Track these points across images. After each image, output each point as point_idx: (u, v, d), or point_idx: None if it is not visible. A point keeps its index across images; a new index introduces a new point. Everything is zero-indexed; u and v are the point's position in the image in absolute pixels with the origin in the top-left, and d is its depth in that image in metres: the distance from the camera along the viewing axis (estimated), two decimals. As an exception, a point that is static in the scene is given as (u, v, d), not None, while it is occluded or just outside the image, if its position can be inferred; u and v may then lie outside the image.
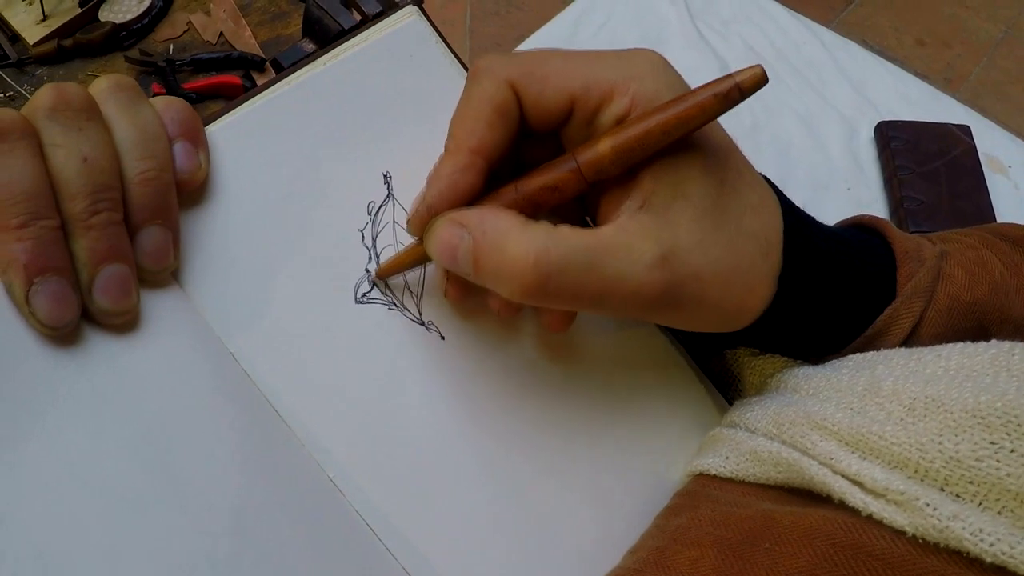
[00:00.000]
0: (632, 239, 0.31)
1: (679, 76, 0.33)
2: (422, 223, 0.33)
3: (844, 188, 0.86)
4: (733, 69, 0.31)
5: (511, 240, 0.30)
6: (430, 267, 0.37)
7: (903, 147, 0.87)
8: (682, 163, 0.32)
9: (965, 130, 0.88)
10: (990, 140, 0.89)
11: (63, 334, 0.29)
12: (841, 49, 0.95)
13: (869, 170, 0.88)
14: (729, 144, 0.34)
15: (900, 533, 0.28)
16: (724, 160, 0.33)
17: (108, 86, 0.31)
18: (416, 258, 0.35)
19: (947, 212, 0.83)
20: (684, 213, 0.31)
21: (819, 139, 0.88)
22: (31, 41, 0.85)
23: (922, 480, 0.28)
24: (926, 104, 0.92)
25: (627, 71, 0.32)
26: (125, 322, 0.31)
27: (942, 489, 0.28)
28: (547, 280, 0.30)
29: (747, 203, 0.33)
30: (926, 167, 0.86)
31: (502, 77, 0.33)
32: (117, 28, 0.86)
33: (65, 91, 0.30)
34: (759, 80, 0.28)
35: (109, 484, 0.29)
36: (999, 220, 0.83)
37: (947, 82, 1.43)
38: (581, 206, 0.37)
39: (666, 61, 0.33)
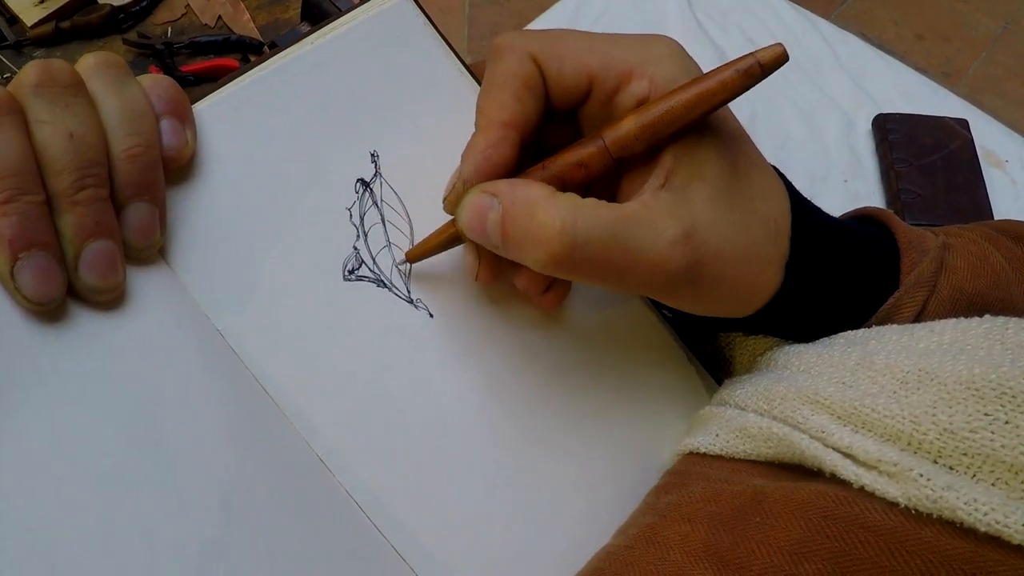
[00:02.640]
0: (655, 215, 0.31)
1: (695, 63, 0.34)
2: (459, 199, 0.33)
3: (841, 180, 0.86)
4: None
5: (539, 208, 0.31)
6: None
7: (901, 140, 0.86)
8: (699, 146, 0.32)
9: (963, 124, 0.88)
10: (987, 134, 0.89)
11: (48, 311, 0.29)
12: (840, 42, 0.95)
13: (867, 162, 0.87)
14: (741, 132, 0.35)
15: (893, 504, 0.28)
16: (737, 146, 0.34)
17: (95, 63, 0.31)
18: (447, 239, 0.35)
19: (944, 206, 0.83)
20: (700, 193, 0.32)
21: (817, 131, 0.88)
22: (29, 23, 0.84)
23: (915, 452, 0.28)
24: (924, 97, 0.92)
25: (645, 54, 0.33)
26: (111, 299, 0.31)
27: (935, 461, 0.28)
28: (572, 249, 0.30)
29: (757, 188, 0.34)
30: (923, 160, 0.86)
31: (524, 51, 0.33)
32: (115, 10, 0.85)
33: (51, 67, 0.29)
34: (780, 58, 0.29)
35: (97, 463, 0.29)
36: (996, 214, 0.82)
37: (946, 76, 1.43)
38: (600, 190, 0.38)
39: (682, 48, 0.34)
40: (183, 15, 0.89)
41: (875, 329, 0.35)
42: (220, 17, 0.88)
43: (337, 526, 0.33)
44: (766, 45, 0.30)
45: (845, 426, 0.31)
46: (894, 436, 0.29)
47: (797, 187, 0.37)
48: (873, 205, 0.90)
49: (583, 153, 0.32)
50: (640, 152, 0.32)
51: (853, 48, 0.95)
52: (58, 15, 0.85)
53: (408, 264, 0.37)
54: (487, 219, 0.32)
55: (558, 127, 0.36)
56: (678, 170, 0.32)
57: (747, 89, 0.30)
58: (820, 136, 0.88)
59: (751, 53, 0.30)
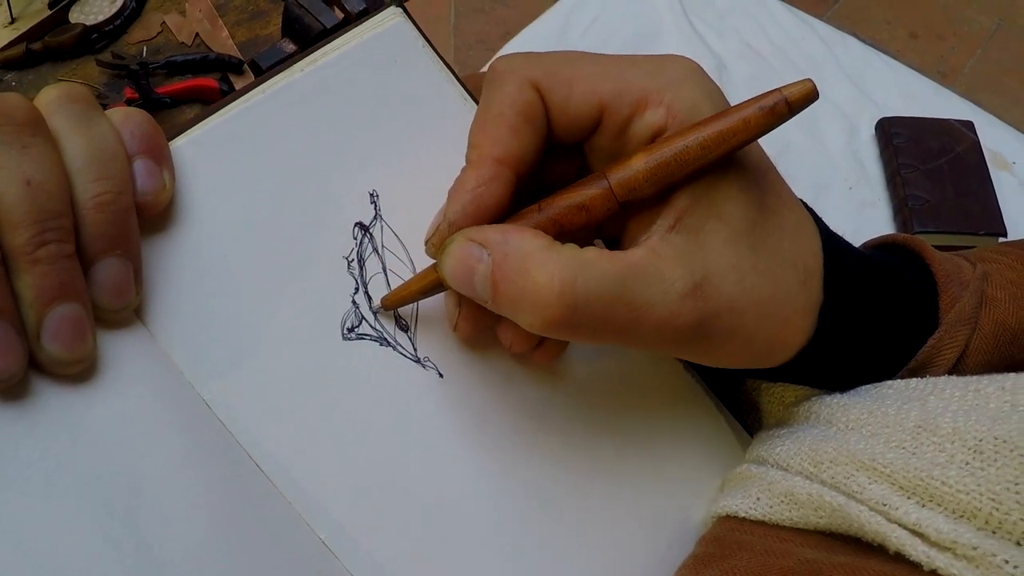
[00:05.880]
0: (663, 264, 0.28)
1: (717, 86, 0.31)
2: (442, 242, 0.30)
3: (846, 187, 0.84)
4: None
5: (536, 263, 0.27)
6: (426, 299, 0.34)
7: (906, 144, 0.85)
8: (719, 182, 0.29)
9: (968, 125, 0.86)
10: (992, 135, 0.87)
11: (7, 387, 0.26)
12: (839, 44, 0.94)
13: (871, 168, 0.86)
14: (767, 163, 0.32)
15: None
16: (762, 179, 0.31)
17: (56, 96, 0.28)
18: (429, 285, 0.32)
19: (953, 212, 0.81)
20: (718, 235, 0.29)
21: (819, 137, 0.86)
22: (-2, 45, 0.82)
23: (994, 532, 0.25)
24: (927, 99, 0.90)
25: (662, 78, 0.30)
26: (80, 371, 0.27)
27: (1019, 543, 0.25)
28: (573, 311, 0.27)
29: (786, 226, 0.31)
30: (929, 165, 0.84)
31: (525, 78, 0.30)
32: (88, 30, 0.83)
33: (5, 103, 0.26)
34: (809, 95, 0.26)
35: (67, 568, 0.25)
36: (1006, 219, 0.80)
37: (941, 75, 1.42)
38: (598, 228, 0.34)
39: (702, 70, 0.31)
40: (159, 33, 0.86)
41: (931, 381, 0.32)
42: (197, 34, 0.86)
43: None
44: (793, 81, 0.27)
45: (910, 499, 0.28)
46: (969, 514, 0.26)
47: (800, 197, 0.34)
48: (879, 212, 0.86)
49: (585, 195, 0.29)
50: (650, 195, 0.29)
51: (852, 50, 0.94)
52: (29, 36, 0.83)
53: (383, 311, 0.33)
54: (475, 272, 0.28)
55: (562, 159, 0.33)
56: (692, 210, 0.29)
57: (772, 128, 0.27)
58: (822, 142, 0.86)
59: (777, 89, 0.27)
